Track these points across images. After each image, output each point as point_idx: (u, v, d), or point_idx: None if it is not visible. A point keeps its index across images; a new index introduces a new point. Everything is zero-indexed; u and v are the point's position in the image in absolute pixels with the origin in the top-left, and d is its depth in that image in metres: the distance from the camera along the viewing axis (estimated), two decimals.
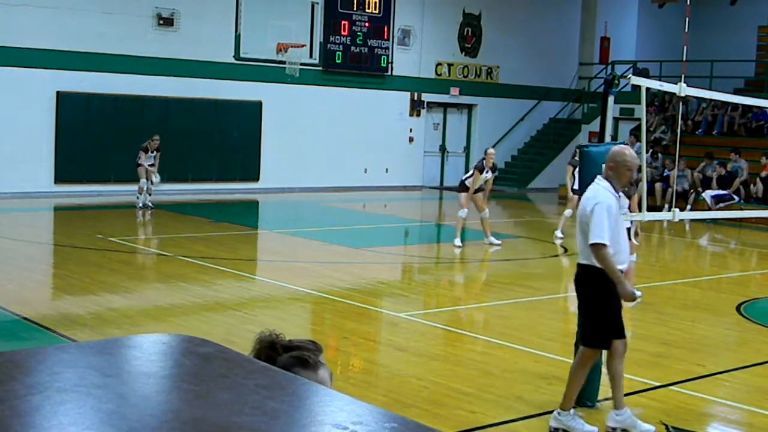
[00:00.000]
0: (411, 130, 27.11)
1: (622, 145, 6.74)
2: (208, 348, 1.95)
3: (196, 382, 1.76)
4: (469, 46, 28.18)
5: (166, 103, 22.19)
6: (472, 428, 6.71)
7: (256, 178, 24.14)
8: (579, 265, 6.57)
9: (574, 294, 6.96)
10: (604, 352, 6.70)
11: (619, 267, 6.35)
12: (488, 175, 15.76)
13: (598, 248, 6.28)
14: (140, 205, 19.05)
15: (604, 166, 6.65)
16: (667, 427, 6.77)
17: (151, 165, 19.06)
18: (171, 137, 21.35)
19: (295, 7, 24.17)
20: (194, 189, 22.74)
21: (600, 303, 6.45)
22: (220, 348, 1.97)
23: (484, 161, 15.62)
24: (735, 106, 25.08)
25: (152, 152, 19.04)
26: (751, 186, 22.57)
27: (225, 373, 1.81)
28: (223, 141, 23.33)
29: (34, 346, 6.13)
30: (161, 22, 22.07)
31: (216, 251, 14.38)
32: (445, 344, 9.50)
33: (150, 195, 19.13)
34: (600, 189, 6.52)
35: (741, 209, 17.77)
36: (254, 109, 23.80)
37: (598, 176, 6.64)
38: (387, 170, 26.51)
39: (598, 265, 6.33)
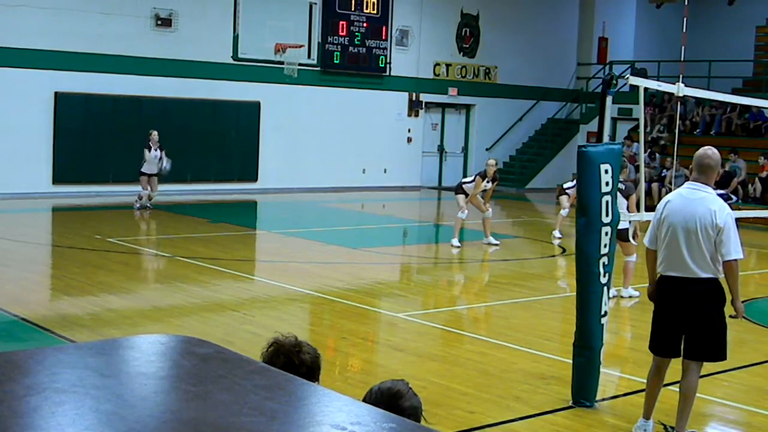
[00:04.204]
0: (409, 131, 27.11)
1: (704, 148, 6.53)
2: (207, 348, 1.95)
3: (194, 382, 1.76)
4: (467, 46, 28.18)
5: (164, 103, 22.16)
6: (471, 428, 6.71)
7: (255, 179, 24.14)
8: (697, 279, 6.26)
9: (573, 294, 6.95)
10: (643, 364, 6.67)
11: (673, 273, 6.38)
12: (488, 185, 15.85)
13: (737, 264, 6.23)
14: (137, 206, 19.05)
15: (696, 172, 6.40)
16: (665, 426, 6.77)
17: (155, 175, 18.91)
18: (169, 138, 21.32)
19: (293, 8, 24.15)
20: (192, 189, 22.71)
21: (723, 316, 6.36)
22: (218, 348, 1.97)
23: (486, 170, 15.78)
24: (733, 107, 25.11)
25: (155, 150, 18.89)
26: (749, 186, 22.59)
27: (223, 373, 1.81)
28: (221, 141, 23.32)
29: (32, 347, 6.13)
30: (159, 22, 22.06)
31: (214, 252, 14.37)
32: (443, 344, 9.50)
33: (150, 200, 19.11)
34: (717, 198, 6.37)
35: (739, 209, 17.78)
36: (252, 109, 23.79)
37: (696, 183, 6.40)
38: (385, 170, 26.50)
39: (718, 277, 6.28)
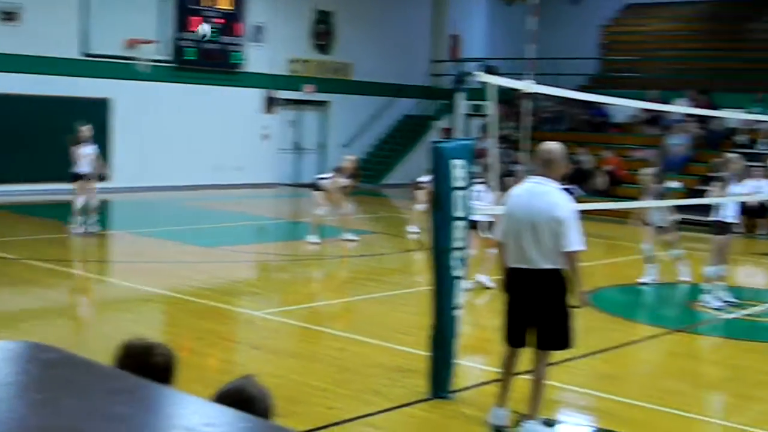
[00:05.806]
0: (265, 128, 26.97)
1: (546, 142, 6.74)
2: (54, 354, 1.91)
3: (41, 389, 1.72)
4: (324, 43, 28.23)
5: (11, 100, 21.32)
6: (330, 424, 6.75)
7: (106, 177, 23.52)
8: (540, 270, 6.43)
9: (426, 288, 7.03)
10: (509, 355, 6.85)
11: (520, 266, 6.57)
12: (345, 181, 15.94)
13: (577, 255, 6.41)
14: (79, 231, 15.73)
15: (539, 167, 6.59)
16: (519, 414, 6.96)
17: (90, 177, 16.07)
18: (14, 137, 20.65)
19: (145, 2, 23.65)
20: (41, 189, 21.95)
21: (566, 305, 6.53)
22: (67, 354, 1.93)
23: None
24: (581, 103, 25.99)
25: (86, 145, 16.01)
26: (597, 178, 23.46)
27: (72, 379, 1.78)
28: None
29: None
30: (4, 17, 21.24)
31: (66, 253, 13.96)
32: (301, 341, 9.52)
33: (90, 215, 15.98)
34: (558, 191, 6.54)
35: (585, 201, 18.42)
36: (102, 106, 23.17)
37: (540, 177, 6.58)
38: (241, 168, 26.27)
39: (559, 268, 6.43)
